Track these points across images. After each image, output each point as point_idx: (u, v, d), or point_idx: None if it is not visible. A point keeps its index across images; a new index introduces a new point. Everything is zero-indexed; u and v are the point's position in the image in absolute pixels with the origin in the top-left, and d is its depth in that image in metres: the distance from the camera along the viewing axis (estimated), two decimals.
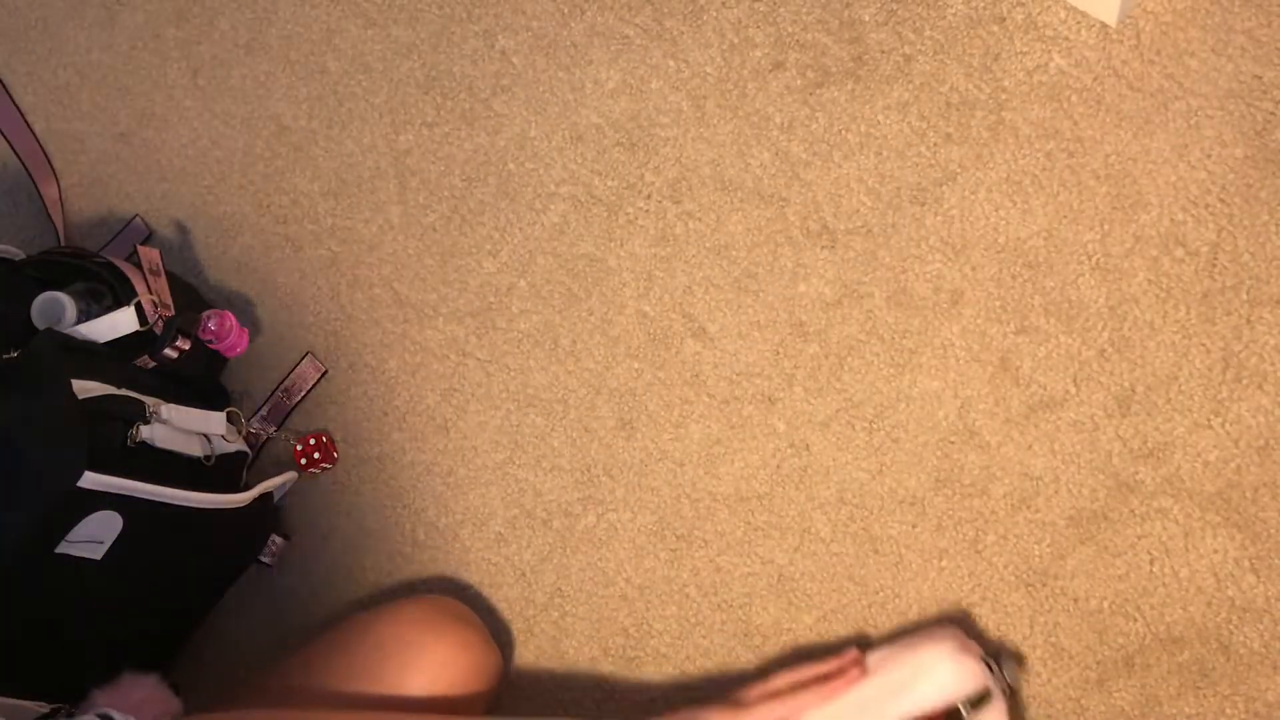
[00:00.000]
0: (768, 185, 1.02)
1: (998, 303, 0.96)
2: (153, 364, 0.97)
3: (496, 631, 1.02)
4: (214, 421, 0.97)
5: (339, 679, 0.90)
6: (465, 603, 1.01)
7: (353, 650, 0.92)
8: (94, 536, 0.84)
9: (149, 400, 0.93)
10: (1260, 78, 0.93)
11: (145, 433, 0.90)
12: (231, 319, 1.04)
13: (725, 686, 0.97)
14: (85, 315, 0.96)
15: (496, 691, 0.97)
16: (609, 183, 1.06)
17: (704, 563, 0.99)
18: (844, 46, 1.03)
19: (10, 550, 0.79)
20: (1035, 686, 0.91)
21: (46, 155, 1.20)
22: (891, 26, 1.02)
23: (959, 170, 0.98)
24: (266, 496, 1.01)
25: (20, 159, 1.19)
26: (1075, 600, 0.92)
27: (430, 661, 0.90)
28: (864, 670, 0.85)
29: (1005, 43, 0.99)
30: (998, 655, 0.88)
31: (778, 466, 0.99)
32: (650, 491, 1.01)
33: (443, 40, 1.13)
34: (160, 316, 0.98)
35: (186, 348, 0.97)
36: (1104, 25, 0.97)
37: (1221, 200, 0.93)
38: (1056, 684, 0.91)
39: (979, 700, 0.83)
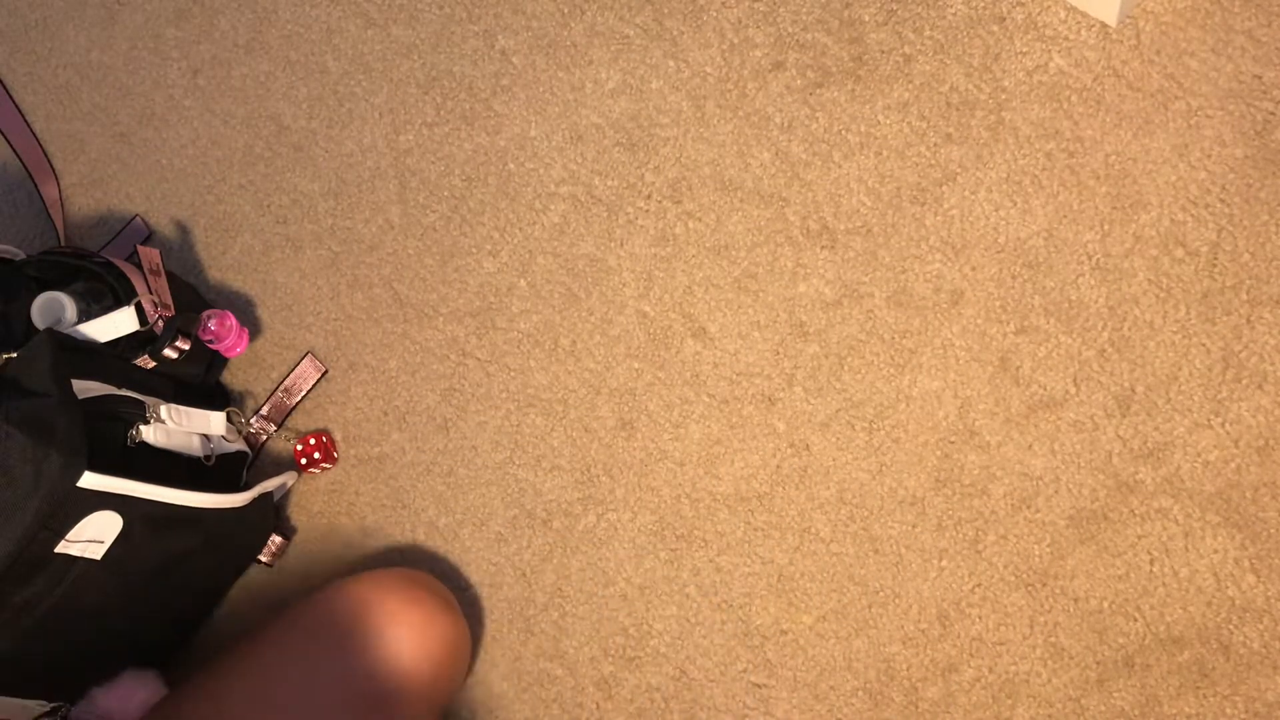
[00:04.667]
0: (768, 185, 1.02)
1: (998, 303, 0.96)
2: (153, 364, 0.97)
3: (497, 631, 1.02)
4: (214, 421, 0.98)
5: (304, 641, 0.92)
6: (466, 603, 1.01)
7: (318, 613, 0.94)
8: (93, 537, 0.84)
9: (149, 400, 0.93)
10: (1260, 78, 0.93)
11: (145, 433, 0.90)
12: (231, 319, 1.05)
13: (725, 686, 0.97)
14: (85, 315, 0.96)
15: (466, 665, 0.98)
16: (609, 183, 1.06)
17: (704, 563, 0.99)
18: (844, 46, 1.03)
19: (9, 550, 0.79)
20: (1035, 686, 0.91)
21: (46, 155, 1.20)
22: (891, 26, 1.02)
23: (959, 170, 0.98)
24: (266, 496, 1.01)
25: (20, 159, 1.19)
26: (1075, 600, 0.92)
27: (392, 621, 0.92)
28: None
29: (1005, 43, 0.99)
30: None
31: (778, 466, 0.99)
32: (650, 491, 1.01)
33: (443, 40, 1.13)
34: (160, 316, 0.98)
35: (186, 348, 0.97)
36: (1104, 25, 0.97)
37: (1221, 200, 0.93)
38: (1056, 684, 0.91)
39: None
